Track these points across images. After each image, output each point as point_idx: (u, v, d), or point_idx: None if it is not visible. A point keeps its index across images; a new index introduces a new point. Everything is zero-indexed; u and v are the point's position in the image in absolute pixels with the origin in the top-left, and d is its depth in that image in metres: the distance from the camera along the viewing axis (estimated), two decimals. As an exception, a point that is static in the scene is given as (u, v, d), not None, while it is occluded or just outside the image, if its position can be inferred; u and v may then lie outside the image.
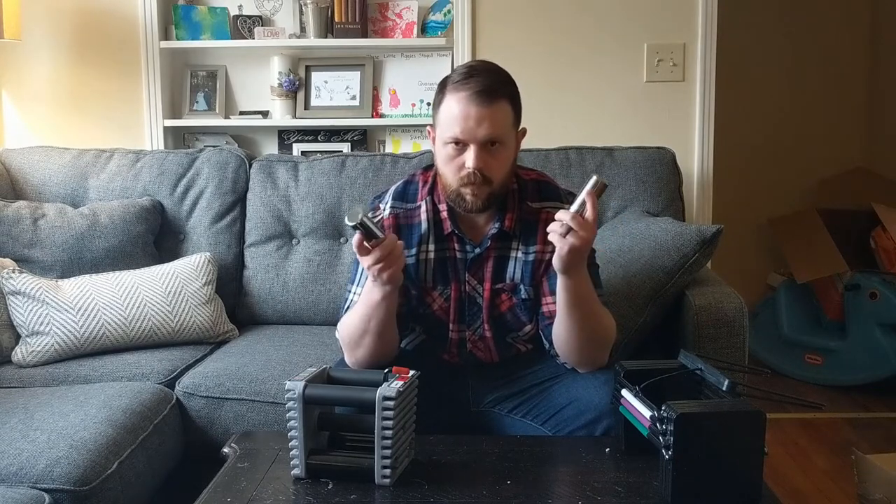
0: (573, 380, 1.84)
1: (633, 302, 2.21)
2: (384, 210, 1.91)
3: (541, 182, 1.94)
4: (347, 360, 1.89)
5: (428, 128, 1.90)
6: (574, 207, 1.68)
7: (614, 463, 1.63)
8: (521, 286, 1.88)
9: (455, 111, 1.75)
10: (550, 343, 1.87)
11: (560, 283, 1.74)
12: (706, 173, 3.10)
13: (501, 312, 1.90)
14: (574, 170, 2.69)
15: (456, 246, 1.88)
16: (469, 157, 1.76)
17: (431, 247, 1.89)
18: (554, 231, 1.68)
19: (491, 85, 1.76)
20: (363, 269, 1.88)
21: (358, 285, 1.90)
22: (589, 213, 1.67)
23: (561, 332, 1.81)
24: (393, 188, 1.95)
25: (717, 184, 3.17)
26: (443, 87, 1.81)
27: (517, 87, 1.83)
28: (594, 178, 1.69)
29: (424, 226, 1.88)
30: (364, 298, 1.80)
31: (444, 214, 1.87)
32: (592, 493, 1.50)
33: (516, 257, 1.88)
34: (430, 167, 1.94)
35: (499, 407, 1.92)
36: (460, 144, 1.77)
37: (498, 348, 1.93)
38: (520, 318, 1.90)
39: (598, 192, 1.68)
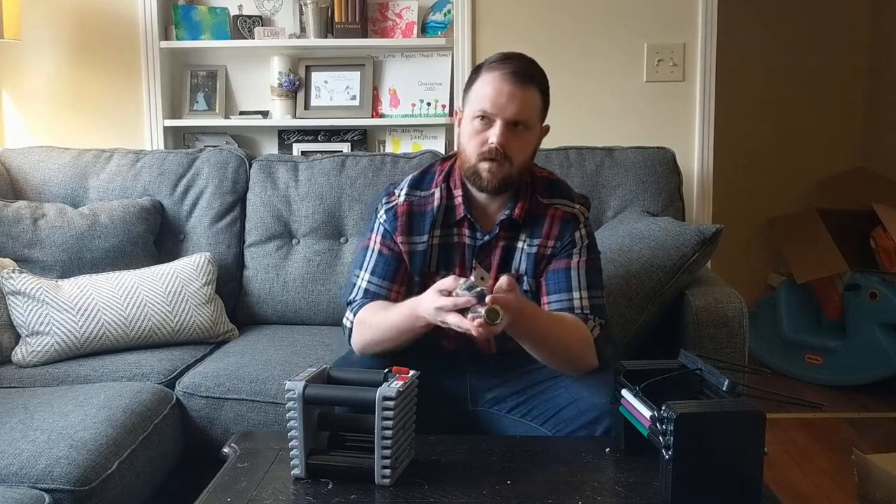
0: (573, 380, 1.84)
1: (633, 302, 2.21)
2: (399, 196, 1.94)
3: (552, 180, 1.98)
4: (355, 345, 1.89)
5: (456, 110, 1.95)
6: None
7: (614, 463, 1.63)
8: (525, 277, 1.90)
9: (488, 88, 1.80)
10: None
11: None
12: (706, 173, 3.10)
13: None
14: (574, 170, 2.69)
15: (466, 232, 1.91)
16: (493, 133, 1.80)
17: (439, 231, 1.91)
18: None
19: (526, 69, 1.82)
20: (372, 256, 1.92)
21: (365, 271, 1.93)
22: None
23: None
24: (410, 176, 1.98)
25: (717, 184, 3.17)
26: (478, 69, 1.86)
27: (548, 84, 1.88)
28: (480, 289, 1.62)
29: (435, 211, 1.91)
30: (407, 319, 1.77)
31: (459, 200, 1.90)
32: (592, 493, 1.50)
33: (522, 248, 1.91)
34: (447, 158, 1.98)
35: (497, 407, 1.92)
36: (486, 120, 1.80)
37: (497, 338, 1.92)
38: None
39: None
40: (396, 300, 1.90)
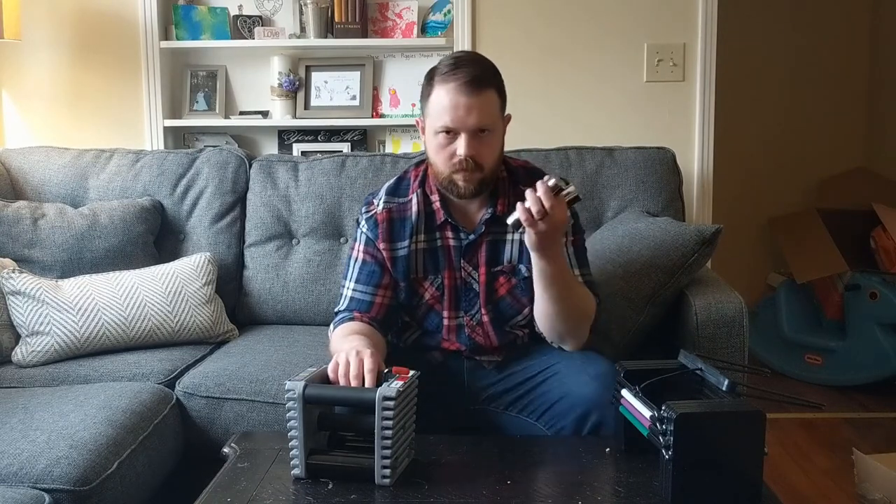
0: (566, 374, 1.86)
1: (632, 302, 2.21)
2: (378, 205, 1.97)
3: (528, 168, 2.01)
4: None
5: (417, 119, 1.96)
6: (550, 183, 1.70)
7: (614, 463, 1.63)
8: (521, 266, 1.93)
9: (445, 101, 1.81)
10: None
11: (534, 262, 1.78)
12: (706, 173, 3.10)
13: (500, 296, 1.94)
14: (574, 170, 2.69)
15: (450, 234, 1.94)
16: (460, 145, 1.81)
17: (422, 237, 1.94)
18: (524, 212, 1.68)
19: (478, 75, 1.82)
20: (356, 265, 1.97)
21: (351, 280, 1.97)
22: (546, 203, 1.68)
23: (539, 308, 1.86)
24: (386, 185, 2.02)
25: (717, 184, 3.17)
26: (430, 78, 1.87)
27: (501, 76, 1.89)
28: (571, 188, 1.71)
29: (415, 217, 1.93)
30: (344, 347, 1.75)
31: (437, 205, 1.93)
32: (592, 493, 1.50)
33: (512, 240, 1.93)
34: (420, 163, 2.00)
35: (494, 404, 1.94)
36: (451, 133, 1.82)
37: (497, 333, 1.96)
38: (520, 299, 1.94)
39: (570, 200, 1.72)
40: (382, 304, 1.94)
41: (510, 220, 1.73)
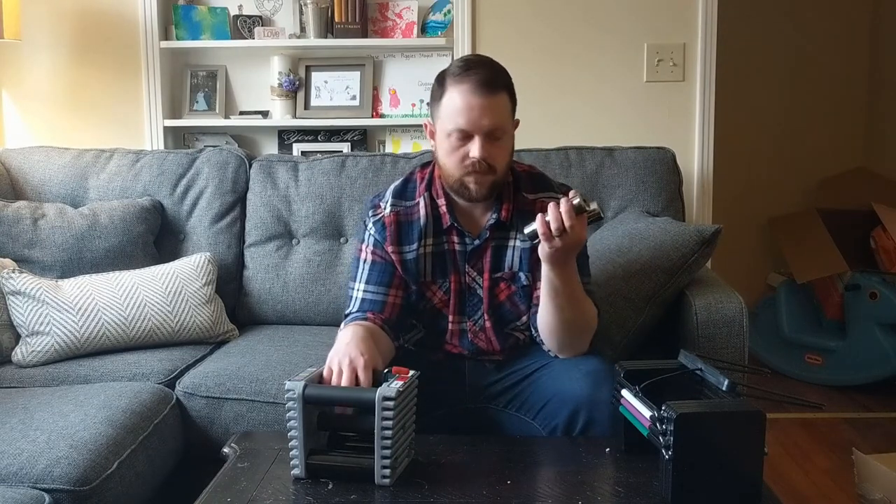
0: (558, 372, 1.86)
1: (632, 302, 2.21)
2: (385, 208, 1.95)
3: (533, 174, 1.99)
4: None
5: (425, 122, 1.94)
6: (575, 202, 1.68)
7: (614, 463, 1.63)
8: (520, 273, 1.92)
9: (459, 103, 1.79)
10: (536, 329, 1.90)
11: (543, 272, 1.77)
12: (706, 173, 3.10)
13: (500, 302, 1.94)
14: (574, 170, 2.69)
15: (455, 239, 1.93)
16: (474, 147, 1.79)
17: (430, 241, 1.93)
18: (543, 224, 1.67)
19: (492, 77, 1.81)
20: (365, 266, 1.94)
21: (359, 281, 1.94)
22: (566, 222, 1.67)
23: (542, 316, 1.85)
24: (392, 187, 1.99)
25: (717, 184, 3.17)
26: (442, 80, 1.84)
27: (511, 80, 1.88)
28: (594, 205, 1.71)
29: (423, 221, 1.92)
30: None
31: (444, 209, 1.92)
32: (592, 493, 1.50)
33: (514, 246, 1.92)
34: (426, 164, 1.98)
35: (495, 402, 1.94)
36: (464, 135, 1.80)
37: (498, 338, 1.95)
38: (518, 306, 1.93)
39: (591, 218, 1.71)
40: (395, 304, 1.92)
41: (527, 230, 1.72)
